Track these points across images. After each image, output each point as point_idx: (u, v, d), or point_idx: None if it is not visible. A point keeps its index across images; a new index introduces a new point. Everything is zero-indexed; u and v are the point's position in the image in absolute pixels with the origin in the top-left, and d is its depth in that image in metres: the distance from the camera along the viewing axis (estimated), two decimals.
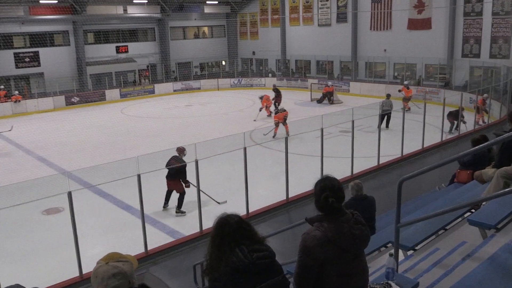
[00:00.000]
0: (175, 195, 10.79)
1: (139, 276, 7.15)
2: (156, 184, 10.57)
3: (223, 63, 37.67)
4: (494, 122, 18.53)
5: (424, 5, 26.61)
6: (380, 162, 13.02)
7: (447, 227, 4.88)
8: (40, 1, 27.97)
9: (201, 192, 9.53)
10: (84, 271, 7.67)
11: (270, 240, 2.84)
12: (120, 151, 16.31)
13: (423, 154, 14.32)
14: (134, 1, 31.70)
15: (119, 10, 31.31)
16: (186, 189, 10.67)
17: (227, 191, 11.78)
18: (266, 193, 11.71)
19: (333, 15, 31.49)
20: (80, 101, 28.46)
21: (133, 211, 10.67)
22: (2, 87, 26.50)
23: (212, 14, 36.73)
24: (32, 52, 29.05)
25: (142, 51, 33.59)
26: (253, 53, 37.37)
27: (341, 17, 31.09)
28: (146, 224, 8.64)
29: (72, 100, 28.25)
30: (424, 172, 3.92)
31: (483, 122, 18.64)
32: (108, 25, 32.14)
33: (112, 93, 29.96)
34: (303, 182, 10.81)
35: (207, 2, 35.62)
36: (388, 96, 19.50)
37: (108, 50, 32.21)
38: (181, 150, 10.74)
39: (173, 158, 10.59)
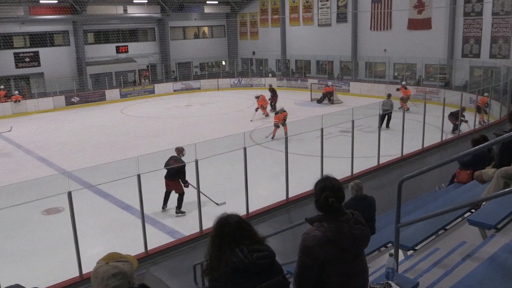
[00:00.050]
0: (174, 196, 10.78)
1: (139, 276, 7.15)
2: (156, 184, 10.56)
3: (223, 63, 37.67)
4: (494, 122, 18.54)
5: (424, 5, 26.61)
6: (380, 162, 13.02)
7: (447, 227, 4.88)
8: (40, 1, 27.97)
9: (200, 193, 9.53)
10: (84, 271, 7.67)
11: (270, 240, 2.84)
12: (120, 151, 16.31)
13: (423, 154, 14.32)
14: (134, 1, 31.70)
15: (119, 10, 31.31)
16: (185, 189, 10.66)
17: (227, 191, 11.78)
18: (266, 193, 11.71)
19: (333, 15, 31.50)
20: (80, 101, 28.47)
21: (133, 211, 10.67)
22: (2, 87, 26.50)
23: (212, 14, 36.73)
24: (32, 52, 29.05)
25: (142, 51, 33.60)
26: (253, 53, 37.37)
27: (341, 17, 31.09)
28: (146, 224, 8.64)
29: (72, 100, 28.25)
30: (424, 172, 3.92)
31: (483, 122, 18.64)
32: (108, 25, 32.14)
33: (112, 93, 29.96)
34: (303, 182, 10.81)
35: (207, 2, 35.62)
36: (389, 96, 19.52)
37: (108, 50, 32.22)
38: (180, 150, 10.72)
39: (172, 158, 10.57)
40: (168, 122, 22.47)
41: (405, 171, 11.40)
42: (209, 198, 10.88)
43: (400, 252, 4.29)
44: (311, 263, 2.65)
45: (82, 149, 17.25)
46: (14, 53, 28.42)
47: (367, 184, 9.44)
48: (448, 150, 14.77)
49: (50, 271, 8.35)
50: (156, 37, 34.76)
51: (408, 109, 20.94)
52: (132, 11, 32.18)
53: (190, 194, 10.48)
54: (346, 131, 14.07)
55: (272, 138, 17.28)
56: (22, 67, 28.79)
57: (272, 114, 21.41)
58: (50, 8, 28.79)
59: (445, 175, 8.73)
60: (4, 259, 8.84)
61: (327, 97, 26.02)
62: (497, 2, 23.68)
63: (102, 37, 32.41)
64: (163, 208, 10.89)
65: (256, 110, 21.92)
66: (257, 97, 22.09)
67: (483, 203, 4.69)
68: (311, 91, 27.90)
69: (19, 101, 26.22)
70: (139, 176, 8.29)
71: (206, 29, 38.14)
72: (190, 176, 10.17)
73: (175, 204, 10.71)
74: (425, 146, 14.59)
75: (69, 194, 7.53)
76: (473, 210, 5.01)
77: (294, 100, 27.07)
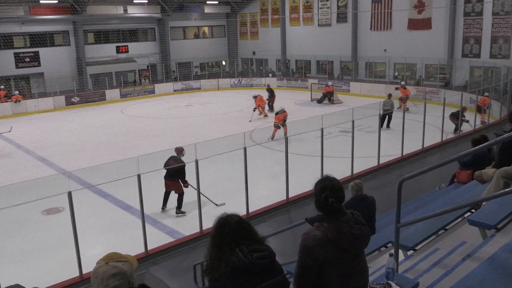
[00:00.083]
0: (173, 196, 10.77)
1: (139, 276, 7.16)
2: (156, 184, 10.55)
3: (223, 63, 37.67)
4: (494, 122, 18.54)
5: (424, 5, 26.61)
6: (380, 162, 13.02)
7: (447, 227, 4.88)
8: (40, 1, 27.97)
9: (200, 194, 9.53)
10: (84, 271, 7.67)
11: (270, 240, 2.84)
12: (120, 151, 16.31)
13: (423, 154, 14.32)
14: (134, 1, 31.69)
15: (119, 10, 31.31)
16: (185, 190, 10.66)
17: (227, 191, 11.78)
18: (266, 193, 11.71)
19: (333, 15, 31.49)
20: (80, 101, 28.46)
21: (133, 211, 10.67)
22: (2, 87, 26.51)
23: (212, 14, 36.73)
24: (32, 52, 29.05)
25: (142, 51, 33.60)
26: (253, 53, 37.37)
27: (341, 17, 31.09)
28: (146, 224, 8.63)
29: (72, 100, 28.25)
30: (424, 172, 3.92)
31: (485, 122, 18.63)
32: (108, 25, 32.14)
33: (112, 93, 29.95)
34: (303, 182, 10.82)
35: (207, 2, 35.62)
36: (390, 96, 19.55)
37: (108, 50, 32.22)
38: (179, 151, 10.71)
39: (172, 158, 10.57)
40: (168, 122, 22.47)
41: (405, 171, 11.42)
42: (209, 199, 10.86)
43: (400, 252, 4.29)
44: (311, 263, 2.65)
45: (82, 149, 17.26)
46: (14, 53, 28.43)
47: (367, 184, 9.45)
48: (448, 150, 14.77)
49: (50, 271, 8.35)
50: (156, 37, 34.75)
51: (408, 109, 20.94)
52: (132, 11, 32.18)
53: (190, 194, 10.48)
54: (346, 131, 14.07)
55: (272, 138, 17.28)
56: (22, 67, 28.80)
57: (270, 114, 21.45)
58: (50, 8, 28.79)
59: (445, 175, 8.73)
60: (4, 259, 8.84)
61: (327, 97, 26.02)
62: (497, 2, 23.68)
63: (102, 37, 32.42)
64: (162, 208, 10.88)
65: (254, 110, 21.95)
66: (255, 97, 22.12)
67: (483, 203, 4.69)
68: (311, 91, 27.90)
69: (19, 101, 26.22)
70: (139, 176, 8.29)
71: (206, 29, 38.14)
72: (190, 176, 10.17)
73: (175, 204, 10.70)
74: (425, 146, 14.59)
75: (69, 194, 7.53)
76: (473, 210, 5.01)
77: (294, 100, 27.07)
